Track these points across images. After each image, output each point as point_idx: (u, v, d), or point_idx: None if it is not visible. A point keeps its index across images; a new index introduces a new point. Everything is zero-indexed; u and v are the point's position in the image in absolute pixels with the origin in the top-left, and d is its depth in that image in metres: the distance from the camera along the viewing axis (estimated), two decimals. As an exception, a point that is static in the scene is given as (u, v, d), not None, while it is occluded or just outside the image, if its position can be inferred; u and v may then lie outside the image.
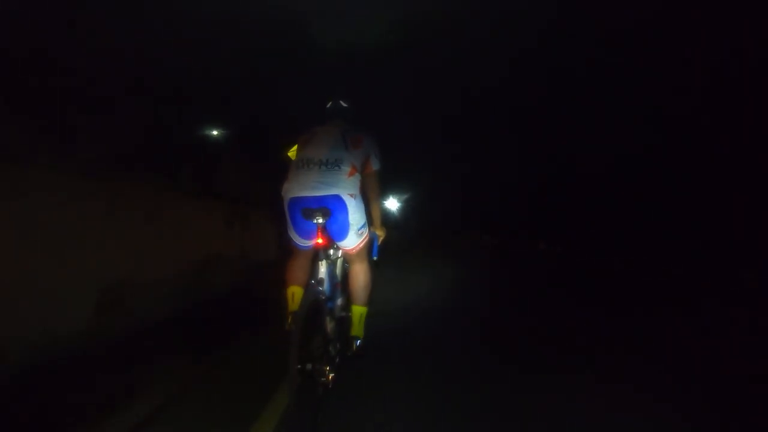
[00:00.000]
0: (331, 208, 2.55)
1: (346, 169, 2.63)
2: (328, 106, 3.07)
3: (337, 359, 2.75)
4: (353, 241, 2.71)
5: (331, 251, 2.85)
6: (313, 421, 2.43)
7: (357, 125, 2.97)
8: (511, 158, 25.74)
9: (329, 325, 2.70)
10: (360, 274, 2.84)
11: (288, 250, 2.90)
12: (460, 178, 33.41)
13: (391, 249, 8.97)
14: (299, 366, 2.48)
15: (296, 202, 2.57)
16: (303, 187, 2.56)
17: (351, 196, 2.60)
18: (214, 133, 8.09)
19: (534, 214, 24.25)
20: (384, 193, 3.22)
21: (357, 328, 2.85)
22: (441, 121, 18.85)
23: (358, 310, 2.86)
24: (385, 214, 3.34)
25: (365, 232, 2.76)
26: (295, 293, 2.77)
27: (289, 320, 2.67)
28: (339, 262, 2.98)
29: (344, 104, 3.08)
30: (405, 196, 23.74)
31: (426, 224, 32.08)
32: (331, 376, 2.52)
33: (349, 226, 2.63)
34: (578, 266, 12.91)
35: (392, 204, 22.16)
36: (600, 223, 17.07)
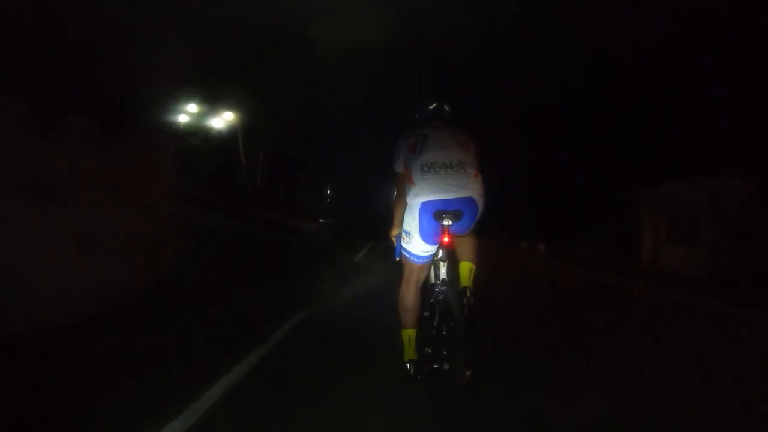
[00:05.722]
0: (464, 210, 2.59)
1: (471, 171, 2.66)
2: (431, 107, 3.05)
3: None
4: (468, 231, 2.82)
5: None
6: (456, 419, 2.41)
7: (458, 128, 2.96)
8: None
9: (463, 320, 2.54)
10: (471, 240, 2.92)
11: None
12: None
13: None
14: (435, 366, 2.56)
15: (428, 205, 2.59)
16: (435, 191, 2.59)
17: (481, 197, 2.65)
18: None
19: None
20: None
21: (468, 281, 2.86)
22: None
23: (468, 266, 2.89)
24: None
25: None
26: (411, 336, 2.79)
27: (411, 369, 2.76)
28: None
29: (447, 108, 3.07)
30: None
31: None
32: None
33: (471, 226, 2.73)
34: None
35: None
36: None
